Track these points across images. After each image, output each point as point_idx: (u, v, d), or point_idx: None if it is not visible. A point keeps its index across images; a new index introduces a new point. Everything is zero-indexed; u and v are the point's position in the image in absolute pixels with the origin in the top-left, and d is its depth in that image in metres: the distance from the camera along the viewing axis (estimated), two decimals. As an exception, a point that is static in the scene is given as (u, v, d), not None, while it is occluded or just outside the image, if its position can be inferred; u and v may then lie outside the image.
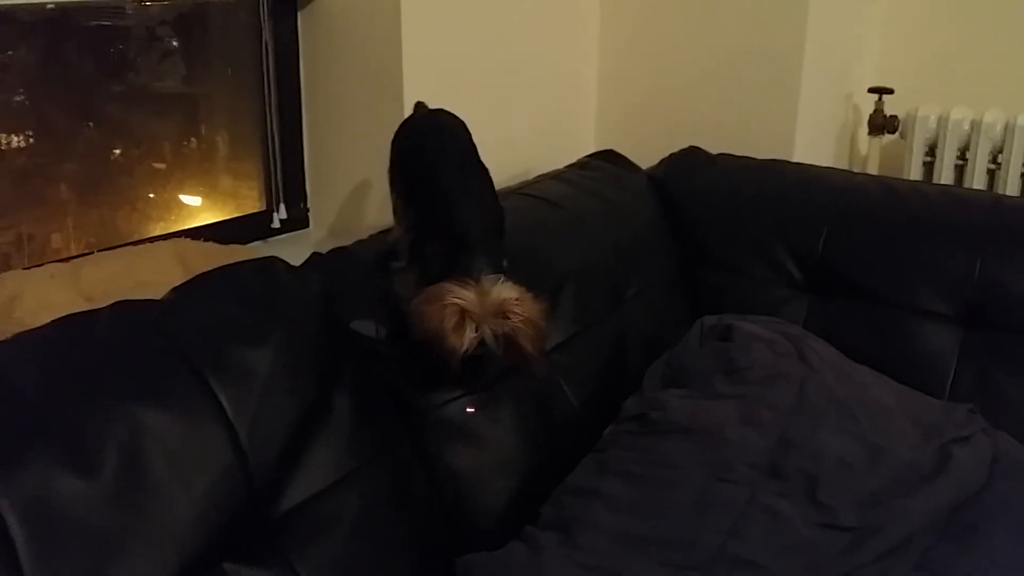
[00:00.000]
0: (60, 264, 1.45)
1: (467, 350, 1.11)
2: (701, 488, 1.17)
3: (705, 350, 1.40)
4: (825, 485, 1.17)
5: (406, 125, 1.42)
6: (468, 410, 1.26)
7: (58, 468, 0.87)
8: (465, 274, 1.13)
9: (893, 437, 1.26)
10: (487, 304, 1.11)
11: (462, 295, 1.10)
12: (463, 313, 1.10)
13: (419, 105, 1.51)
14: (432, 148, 1.33)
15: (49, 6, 1.48)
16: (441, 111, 1.43)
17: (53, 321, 1.00)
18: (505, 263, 1.22)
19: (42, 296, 1.29)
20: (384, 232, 1.43)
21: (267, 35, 1.83)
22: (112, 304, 1.04)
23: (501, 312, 1.11)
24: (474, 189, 1.29)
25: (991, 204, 1.63)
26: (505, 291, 1.12)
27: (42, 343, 0.97)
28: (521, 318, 1.12)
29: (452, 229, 1.20)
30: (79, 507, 0.87)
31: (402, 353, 1.24)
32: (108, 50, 1.73)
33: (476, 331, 1.10)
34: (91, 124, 1.73)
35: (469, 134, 1.38)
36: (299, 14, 1.88)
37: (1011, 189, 2.11)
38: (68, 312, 1.02)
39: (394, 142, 1.39)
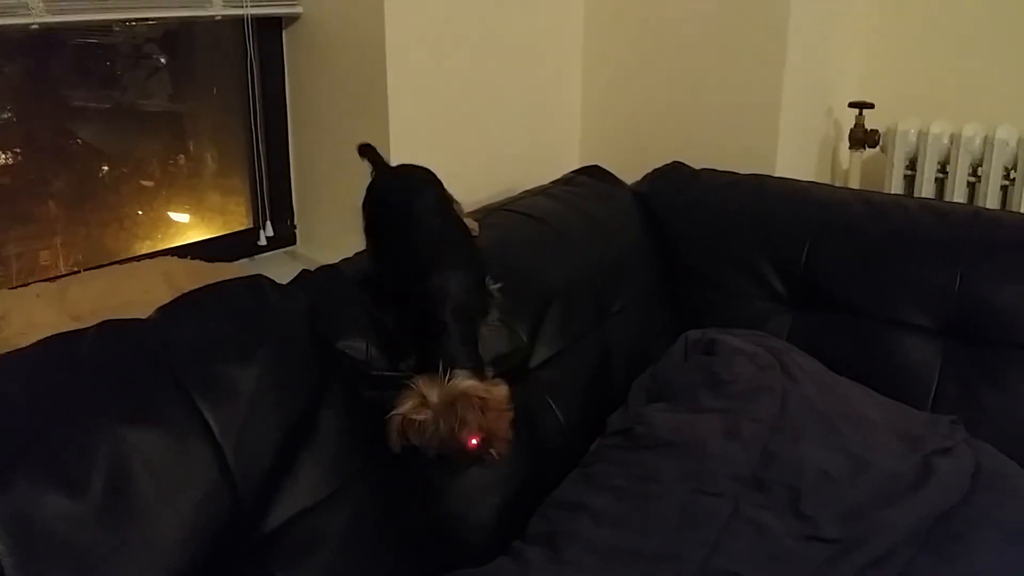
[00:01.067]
0: (46, 283, 1.45)
1: (420, 428, 1.13)
2: (685, 501, 1.18)
3: (689, 364, 1.41)
4: (808, 497, 1.18)
5: (373, 187, 1.39)
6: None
7: (44, 486, 0.87)
8: (438, 356, 1.16)
9: (876, 449, 1.27)
10: (443, 396, 1.13)
11: (426, 388, 1.14)
12: (423, 402, 1.13)
13: (366, 149, 1.46)
14: (401, 212, 1.31)
15: (34, 26, 1.49)
16: (406, 167, 1.41)
17: (39, 340, 1.00)
18: (495, 315, 1.28)
19: (28, 316, 1.30)
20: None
21: (252, 54, 1.84)
22: (98, 323, 1.05)
23: (452, 403, 1.13)
24: (447, 256, 1.27)
25: (971, 217, 1.65)
26: (461, 383, 1.14)
27: (28, 362, 0.98)
28: (470, 409, 1.14)
29: (425, 310, 1.21)
30: (65, 525, 0.87)
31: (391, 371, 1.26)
32: (95, 68, 1.74)
33: (430, 417, 1.13)
34: (78, 142, 1.74)
35: (439, 186, 1.36)
36: (284, 33, 1.89)
37: (991, 202, 2.13)
38: (54, 331, 1.03)
39: (364, 205, 1.37)
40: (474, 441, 1.15)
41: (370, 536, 1.13)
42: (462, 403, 1.12)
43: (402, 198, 1.33)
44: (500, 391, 1.17)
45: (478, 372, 1.17)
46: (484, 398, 1.14)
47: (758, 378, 1.34)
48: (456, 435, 1.13)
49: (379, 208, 1.35)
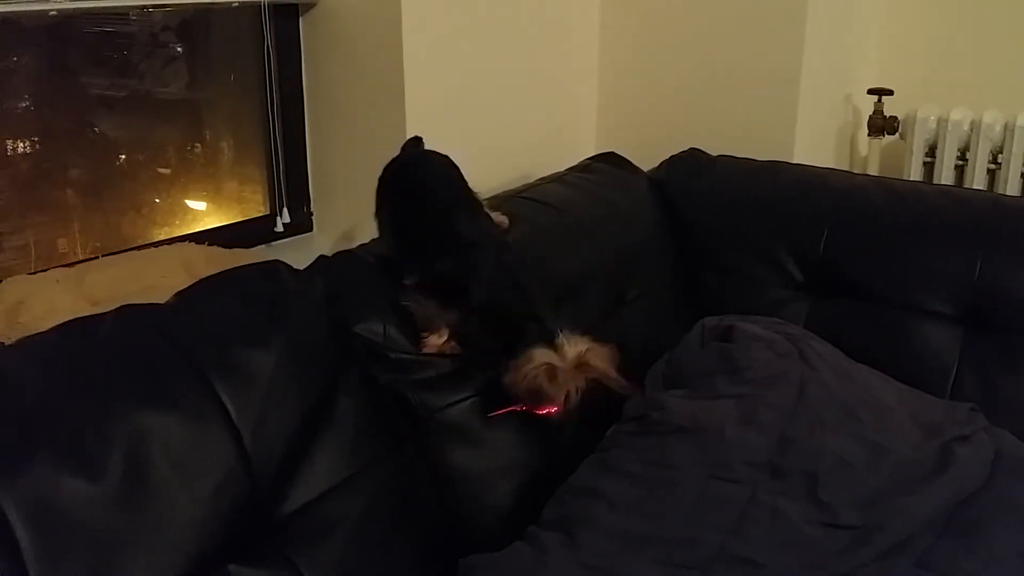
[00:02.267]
0: (65, 269, 1.46)
1: (568, 402, 1.22)
2: (702, 487, 1.17)
3: (706, 350, 1.41)
4: (825, 484, 1.17)
5: (397, 173, 1.41)
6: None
7: (63, 470, 0.88)
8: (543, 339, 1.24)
9: (894, 436, 1.26)
10: (568, 362, 1.22)
11: (550, 357, 1.22)
12: (555, 372, 1.21)
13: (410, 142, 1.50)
14: (444, 193, 1.35)
15: (52, 13, 1.49)
16: (424, 153, 1.44)
17: (58, 325, 1.01)
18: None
19: (47, 301, 1.30)
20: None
21: (269, 40, 1.83)
22: (117, 308, 1.05)
23: (580, 365, 1.23)
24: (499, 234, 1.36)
25: (991, 204, 1.64)
26: (577, 345, 1.24)
27: (47, 347, 0.98)
28: (600, 368, 1.24)
29: (507, 269, 1.28)
30: (83, 509, 0.88)
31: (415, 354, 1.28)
32: (112, 56, 1.74)
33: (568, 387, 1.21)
34: (96, 130, 1.74)
35: (457, 169, 1.39)
36: (301, 19, 1.89)
37: (1011, 189, 2.11)
38: (73, 316, 1.03)
39: (388, 191, 1.38)
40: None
41: (386, 521, 1.13)
42: (594, 360, 1.23)
43: (421, 178, 1.37)
44: (601, 346, 1.27)
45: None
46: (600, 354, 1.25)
47: (775, 364, 1.34)
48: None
49: (397, 186, 1.37)
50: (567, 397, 1.20)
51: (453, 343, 1.28)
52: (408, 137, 1.51)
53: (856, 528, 1.15)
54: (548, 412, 1.22)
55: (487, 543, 1.20)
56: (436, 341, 1.27)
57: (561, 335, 1.24)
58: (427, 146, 1.47)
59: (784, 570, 1.11)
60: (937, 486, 1.20)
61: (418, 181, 1.37)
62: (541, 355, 1.21)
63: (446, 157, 1.39)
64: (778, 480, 1.18)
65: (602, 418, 1.32)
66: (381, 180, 1.39)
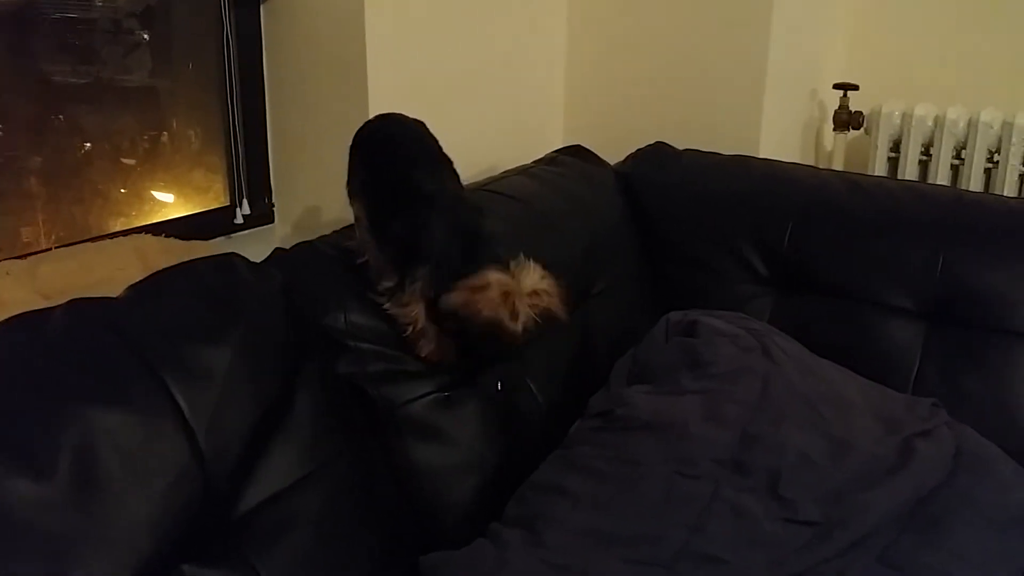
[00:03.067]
0: (17, 261, 1.43)
1: (524, 332, 1.21)
2: (665, 484, 1.17)
3: (670, 346, 1.40)
4: (788, 480, 1.17)
5: (366, 135, 1.38)
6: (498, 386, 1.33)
7: (9, 470, 0.85)
8: (491, 263, 1.22)
9: (856, 431, 1.26)
10: (523, 288, 1.21)
11: (506, 282, 1.20)
12: (513, 299, 1.19)
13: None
14: (407, 151, 1.33)
15: (4, -2, 1.46)
16: (395, 115, 1.41)
17: (6, 319, 0.98)
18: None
19: (-3, 294, 1.27)
20: (349, 227, 1.41)
21: (229, 28, 1.80)
22: (67, 302, 1.02)
23: (534, 292, 1.22)
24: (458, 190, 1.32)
25: (954, 200, 1.65)
26: (534, 274, 1.24)
27: (-6, 342, 0.95)
28: (553, 298, 1.24)
29: (460, 226, 1.25)
30: (31, 510, 0.85)
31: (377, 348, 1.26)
32: (75, 43, 1.71)
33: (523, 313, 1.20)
34: (59, 117, 1.71)
35: (427, 130, 1.37)
36: (262, 7, 1.86)
37: (974, 184, 2.13)
38: (24, 310, 1.00)
39: (357, 153, 1.35)
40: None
41: (345, 518, 1.12)
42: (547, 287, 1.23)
43: (394, 133, 1.35)
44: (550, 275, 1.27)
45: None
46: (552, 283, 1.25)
47: (739, 360, 1.33)
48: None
49: (370, 143, 1.35)
50: (524, 328, 1.20)
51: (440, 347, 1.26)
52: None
53: (818, 524, 1.14)
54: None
55: (449, 540, 1.19)
56: (428, 347, 1.26)
57: (514, 261, 1.23)
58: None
59: (747, 566, 1.11)
60: (898, 481, 1.20)
61: (387, 139, 1.34)
62: (497, 280, 1.19)
63: (418, 121, 1.38)
64: (741, 476, 1.18)
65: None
66: (353, 144, 1.36)
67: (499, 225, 1.51)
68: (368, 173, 1.32)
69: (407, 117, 1.38)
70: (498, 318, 1.18)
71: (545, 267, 1.28)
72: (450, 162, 1.34)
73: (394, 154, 1.31)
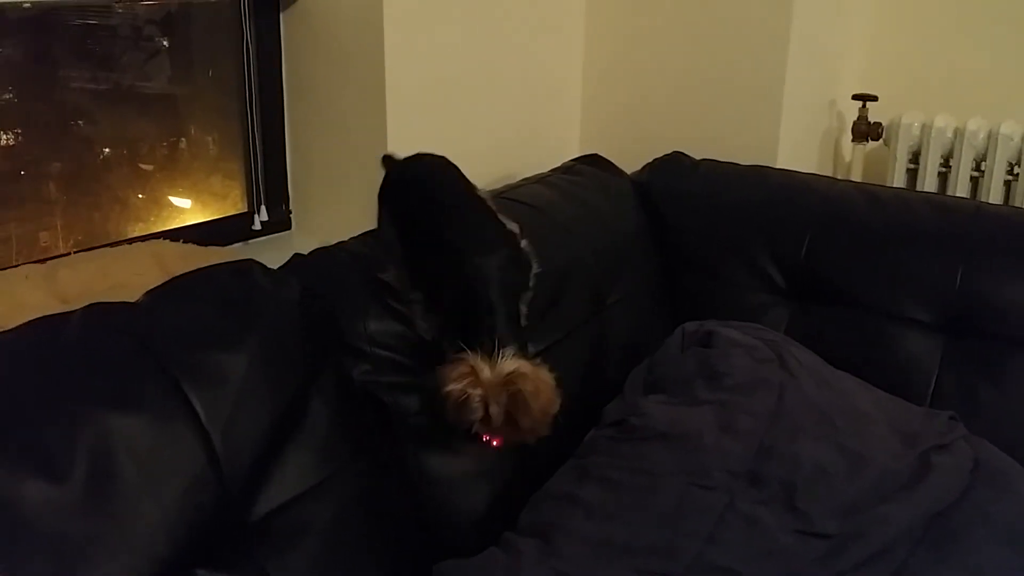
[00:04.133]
0: (36, 265, 1.44)
1: (467, 405, 1.13)
2: (679, 495, 1.16)
3: (686, 356, 1.40)
4: (803, 492, 1.16)
5: (390, 177, 1.36)
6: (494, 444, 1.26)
7: (26, 472, 0.85)
8: (484, 338, 1.15)
9: (873, 444, 1.25)
10: (495, 374, 1.13)
11: (477, 364, 1.13)
12: (475, 378, 1.13)
13: (387, 160, 1.42)
14: (425, 197, 1.30)
15: (26, 5, 1.47)
16: (422, 155, 1.37)
17: (24, 323, 0.98)
18: (524, 309, 1.25)
19: (16, 297, 1.28)
20: (368, 234, 1.41)
21: (249, 35, 1.82)
22: (85, 306, 1.03)
23: (506, 382, 1.13)
24: (484, 235, 1.27)
25: (973, 212, 1.64)
26: (512, 364, 1.15)
27: (11, 344, 0.96)
28: (525, 388, 1.13)
29: (466, 289, 1.20)
30: (47, 512, 0.85)
31: (394, 356, 1.26)
32: (95, 49, 1.72)
33: (481, 395, 1.13)
34: (79, 123, 1.72)
35: (458, 170, 1.35)
36: (282, 15, 1.87)
37: (994, 197, 2.12)
38: (42, 314, 1.01)
39: (385, 198, 1.34)
40: (496, 443, 1.18)
41: (359, 526, 1.11)
42: (520, 383, 1.12)
43: (425, 184, 1.31)
44: (547, 374, 1.18)
45: (524, 353, 1.17)
46: (537, 380, 1.15)
47: (755, 371, 1.33)
48: (510, 416, 1.13)
49: (400, 196, 1.33)
50: (486, 416, 1.13)
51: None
52: (387, 147, 1.47)
53: (833, 537, 1.14)
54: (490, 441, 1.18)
55: (462, 549, 1.19)
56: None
57: (502, 349, 1.15)
58: (409, 143, 1.43)
59: (761, 579, 1.10)
60: (915, 495, 1.20)
61: (425, 203, 1.30)
62: (466, 364, 1.14)
63: (444, 159, 1.35)
64: (756, 488, 1.17)
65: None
66: (382, 194, 1.34)
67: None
68: (399, 226, 1.30)
69: (431, 157, 1.36)
70: (448, 386, 1.13)
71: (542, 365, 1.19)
72: (490, 209, 1.32)
73: (422, 204, 1.29)
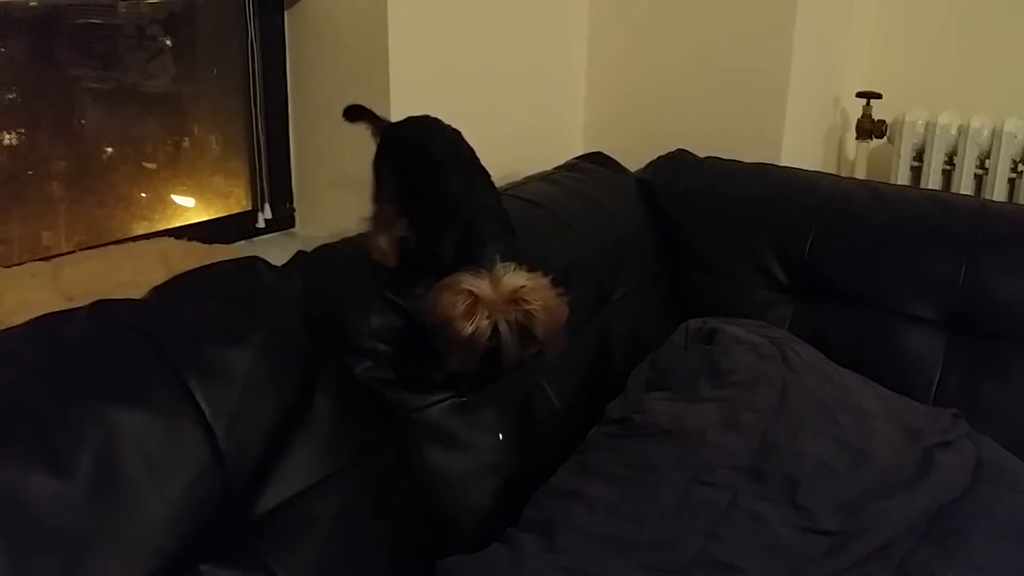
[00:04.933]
0: (41, 263, 1.44)
1: (476, 336, 1.08)
2: (682, 491, 1.16)
3: (689, 353, 1.40)
4: (806, 488, 1.17)
5: (396, 130, 1.36)
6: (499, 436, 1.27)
7: (32, 467, 0.86)
8: (477, 265, 1.11)
9: (876, 441, 1.26)
10: (500, 293, 1.09)
11: (474, 283, 1.09)
12: (475, 300, 1.08)
13: (356, 111, 1.42)
14: (435, 152, 1.29)
15: (31, 3, 1.47)
16: (429, 117, 1.37)
17: (30, 320, 0.99)
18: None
19: (22, 295, 1.28)
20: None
21: (253, 34, 1.82)
22: (91, 303, 1.03)
23: (514, 299, 1.09)
24: (480, 194, 1.27)
25: (978, 209, 1.64)
26: (517, 278, 1.11)
27: (18, 340, 0.96)
28: (535, 305, 1.10)
29: (462, 226, 1.18)
30: (52, 507, 0.85)
31: (400, 350, 1.25)
32: (99, 48, 1.73)
33: (488, 318, 1.08)
34: (82, 122, 1.73)
35: (451, 128, 1.35)
36: (286, 13, 1.88)
37: (998, 194, 2.12)
38: (48, 311, 1.01)
39: (382, 154, 1.34)
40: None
41: (362, 521, 1.12)
42: (528, 297, 1.08)
43: (422, 139, 1.30)
44: (549, 286, 1.13)
45: (522, 267, 1.13)
46: (543, 293, 1.10)
47: (758, 368, 1.33)
48: (524, 329, 1.08)
49: (403, 156, 1.31)
50: (495, 329, 1.07)
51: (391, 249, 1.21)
52: (359, 112, 1.43)
53: (836, 533, 1.14)
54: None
55: (465, 544, 1.19)
56: (383, 245, 1.22)
57: (501, 265, 1.11)
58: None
59: (763, 574, 1.10)
60: (918, 492, 1.20)
61: (430, 160, 1.29)
62: (465, 281, 1.08)
63: (453, 129, 1.35)
64: (759, 484, 1.18)
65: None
66: (382, 149, 1.33)
67: (521, 231, 1.51)
68: (402, 182, 1.30)
69: (437, 120, 1.36)
70: (448, 317, 1.07)
71: (555, 283, 1.16)
72: (486, 173, 1.31)
73: (428, 163, 1.28)
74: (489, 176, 1.32)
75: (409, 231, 1.27)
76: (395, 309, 1.28)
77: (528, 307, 1.09)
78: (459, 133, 1.34)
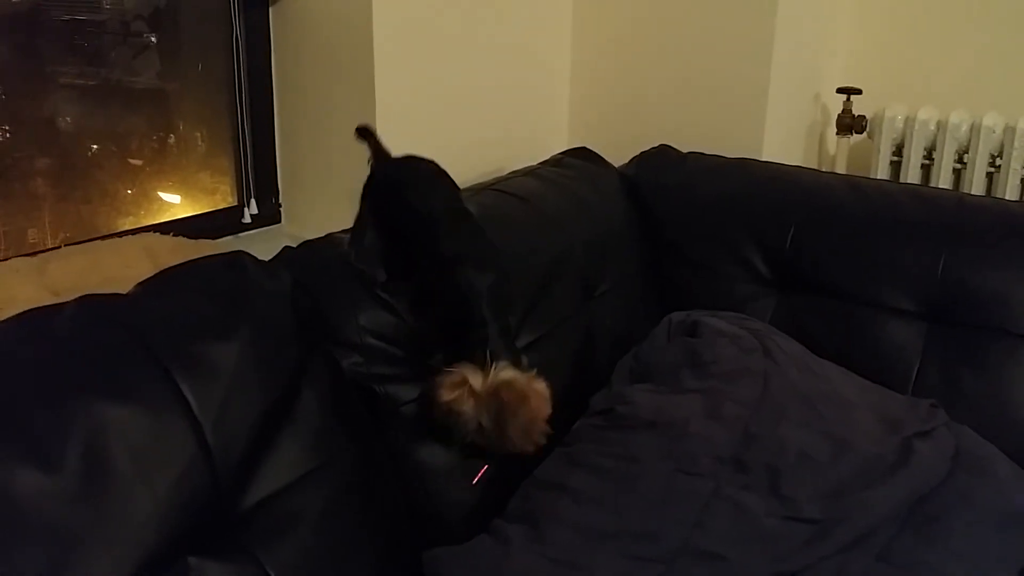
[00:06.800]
0: (26, 258, 1.44)
1: (463, 421, 1.16)
2: (666, 481, 1.18)
3: (672, 345, 1.41)
4: (788, 478, 1.18)
5: (377, 177, 1.35)
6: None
7: (18, 462, 0.86)
8: (477, 351, 1.17)
9: (856, 431, 1.27)
10: (487, 386, 1.16)
11: (469, 377, 1.15)
12: (466, 390, 1.15)
13: (365, 132, 1.40)
14: (415, 207, 1.29)
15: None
16: (412, 157, 1.36)
17: (16, 315, 0.99)
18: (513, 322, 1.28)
19: (7, 290, 1.29)
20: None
21: (239, 30, 1.82)
22: (77, 298, 1.03)
23: (495, 392, 1.15)
24: (475, 251, 1.27)
25: (956, 203, 1.66)
26: (504, 374, 1.17)
27: (4, 336, 0.96)
28: (510, 399, 1.15)
29: (460, 302, 1.21)
30: (40, 502, 0.86)
31: (385, 345, 1.27)
32: (83, 44, 1.72)
33: (473, 411, 1.15)
34: (67, 119, 1.72)
35: (450, 179, 1.34)
36: (271, 9, 1.88)
37: (976, 188, 2.14)
38: (33, 306, 1.01)
39: (366, 195, 1.34)
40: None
41: (350, 515, 1.12)
42: (506, 393, 1.14)
43: (416, 192, 1.30)
44: (541, 384, 1.20)
45: (517, 364, 1.20)
46: (526, 390, 1.17)
47: (740, 360, 1.34)
48: (500, 426, 1.15)
49: (387, 200, 1.32)
50: (480, 426, 1.16)
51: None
52: (367, 134, 1.41)
53: (817, 522, 1.16)
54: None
55: (452, 537, 1.20)
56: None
57: (495, 360, 1.17)
58: (398, 137, 1.44)
59: (747, 563, 1.12)
60: (898, 481, 1.21)
61: (415, 213, 1.29)
62: (460, 375, 1.16)
63: (436, 165, 1.34)
64: (742, 474, 1.19)
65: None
66: (368, 193, 1.34)
67: (505, 225, 1.52)
68: (384, 228, 1.31)
69: (423, 163, 1.35)
70: (443, 401, 1.15)
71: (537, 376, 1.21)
72: (470, 213, 1.32)
73: (410, 213, 1.29)
74: (472, 215, 1.32)
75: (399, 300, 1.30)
76: (383, 305, 1.29)
77: (502, 398, 1.15)
78: (445, 175, 1.34)
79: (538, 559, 1.12)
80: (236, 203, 1.92)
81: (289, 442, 1.09)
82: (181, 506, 0.95)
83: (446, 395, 1.15)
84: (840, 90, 2.22)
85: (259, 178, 1.93)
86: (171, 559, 0.93)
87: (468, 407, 1.14)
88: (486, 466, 1.29)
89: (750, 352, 1.36)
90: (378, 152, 1.38)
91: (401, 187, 1.32)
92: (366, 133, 1.39)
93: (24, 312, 0.99)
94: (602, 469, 1.22)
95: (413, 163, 1.35)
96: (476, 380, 1.15)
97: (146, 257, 1.43)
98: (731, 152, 1.87)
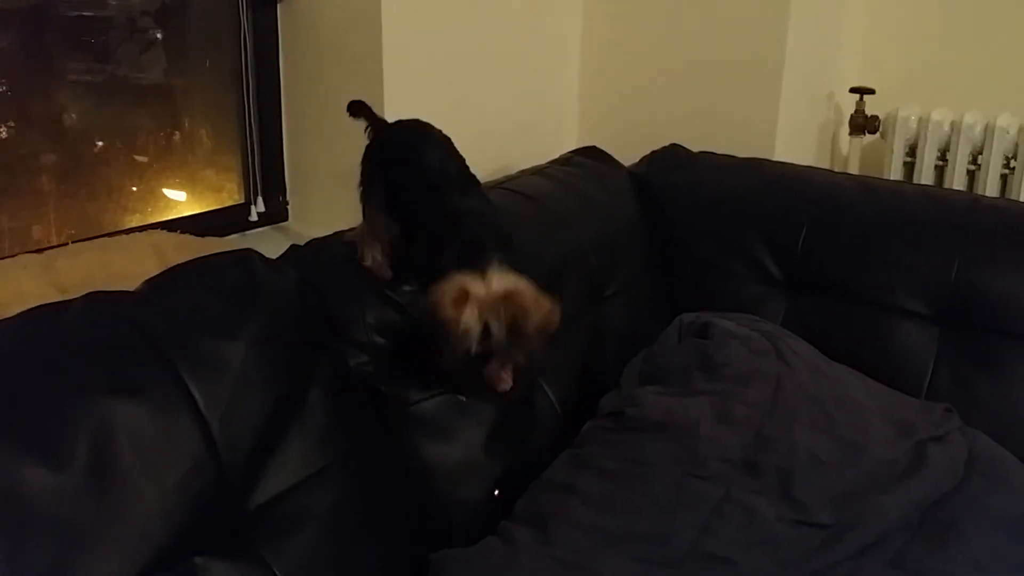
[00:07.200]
0: (34, 255, 1.44)
1: (466, 332, 1.11)
2: (676, 484, 1.17)
3: (682, 347, 1.40)
4: (799, 482, 1.17)
5: (389, 134, 1.35)
6: (495, 493, 1.28)
7: (26, 459, 0.86)
8: (476, 269, 1.14)
9: (868, 435, 1.26)
10: (491, 292, 1.12)
11: (467, 282, 1.12)
12: (465, 294, 1.11)
13: (358, 106, 1.40)
14: (429, 163, 1.29)
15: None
16: (413, 120, 1.37)
17: (24, 311, 0.99)
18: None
19: (15, 287, 1.28)
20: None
21: (246, 27, 1.81)
22: (84, 295, 1.03)
23: (505, 299, 1.12)
24: (476, 205, 1.27)
25: (969, 204, 1.64)
26: (508, 280, 1.14)
27: (12, 332, 0.96)
28: (525, 304, 1.13)
29: (462, 242, 1.19)
30: (47, 498, 0.85)
31: (396, 345, 1.26)
32: (90, 41, 1.72)
33: (479, 316, 1.11)
34: (73, 115, 1.72)
35: (450, 142, 1.34)
36: (279, 6, 1.87)
37: (990, 190, 2.12)
38: (41, 303, 1.01)
39: (372, 157, 1.34)
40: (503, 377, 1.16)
41: (356, 515, 1.12)
42: (519, 296, 1.11)
43: (424, 153, 1.30)
44: (537, 288, 1.16)
45: (516, 271, 1.16)
46: (535, 292, 1.13)
47: (751, 362, 1.33)
48: (515, 328, 1.11)
49: (393, 161, 1.31)
50: (486, 328, 1.11)
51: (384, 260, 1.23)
52: (361, 108, 1.42)
53: (829, 527, 1.14)
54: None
55: (459, 538, 1.19)
56: (377, 257, 1.24)
57: (493, 265, 1.14)
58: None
59: (757, 568, 1.11)
60: (911, 486, 1.20)
61: (412, 163, 1.30)
62: (459, 279, 1.12)
63: (436, 128, 1.35)
64: (753, 478, 1.18)
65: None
66: (370, 154, 1.34)
67: (513, 224, 1.51)
68: (394, 190, 1.30)
69: (424, 124, 1.35)
70: (438, 308, 1.11)
71: (547, 285, 1.19)
72: (478, 182, 1.32)
73: (422, 174, 1.28)
74: (480, 184, 1.32)
75: (403, 242, 1.28)
76: (391, 304, 1.28)
77: (518, 306, 1.12)
78: (450, 140, 1.34)
79: (546, 561, 1.11)
80: (243, 201, 1.92)
81: (296, 441, 1.08)
82: (188, 504, 0.95)
83: (449, 308, 1.10)
84: (853, 90, 2.20)
85: (266, 176, 1.92)
86: (178, 557, 0.93)
87: (472, 316, 1.10)
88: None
89: (761, 354, 1.35)
90: (376, 121, 1.38)
91: (410, 148, 1.31)
92: (360, 106, 1.39)
93: (32, 309, 0.99)
94: (611, 471, 1.21)
95: (420, 125, 1.36)
96: (477, 287, 1.11)
97: (153, 254, 1.43)
98: (742, 152, 1.86)
